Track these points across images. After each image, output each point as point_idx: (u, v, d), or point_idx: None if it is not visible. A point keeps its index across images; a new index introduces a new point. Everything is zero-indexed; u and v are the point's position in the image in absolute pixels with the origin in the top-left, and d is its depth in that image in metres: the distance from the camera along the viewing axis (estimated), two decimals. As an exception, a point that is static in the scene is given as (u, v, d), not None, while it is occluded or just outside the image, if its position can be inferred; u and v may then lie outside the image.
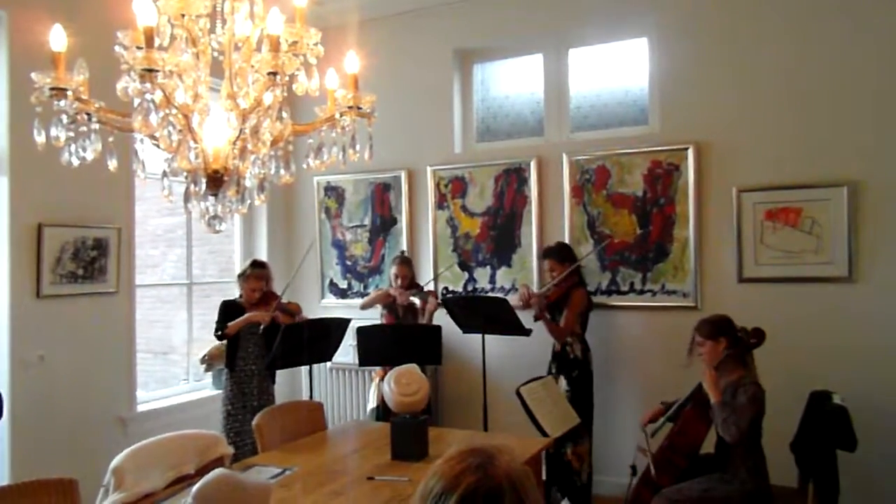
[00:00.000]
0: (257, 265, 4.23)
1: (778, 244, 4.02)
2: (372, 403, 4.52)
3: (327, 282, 5.46)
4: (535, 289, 4.45)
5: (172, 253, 5.77)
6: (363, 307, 4.65)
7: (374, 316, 4.70)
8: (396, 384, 2.76)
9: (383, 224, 5.21)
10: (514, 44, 4.90)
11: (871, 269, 3.82)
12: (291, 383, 5.32)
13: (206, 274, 5.39)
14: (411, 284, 4.60)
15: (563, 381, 3.99)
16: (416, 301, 4.51)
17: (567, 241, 4.50)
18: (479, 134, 5.08)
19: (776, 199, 4.01)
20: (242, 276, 4.18)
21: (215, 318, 4.14)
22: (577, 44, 4.73)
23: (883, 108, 3.78)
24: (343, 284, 5.37)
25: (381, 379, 4.43)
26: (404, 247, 5.09)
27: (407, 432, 2.75)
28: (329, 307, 5.27)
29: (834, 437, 2.96)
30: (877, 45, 3.79)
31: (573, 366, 4.07)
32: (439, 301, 4.57)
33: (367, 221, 5.28)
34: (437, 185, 4.98)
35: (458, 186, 4.92)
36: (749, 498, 3.00)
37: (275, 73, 1.61)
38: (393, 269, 4.60)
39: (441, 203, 4.98)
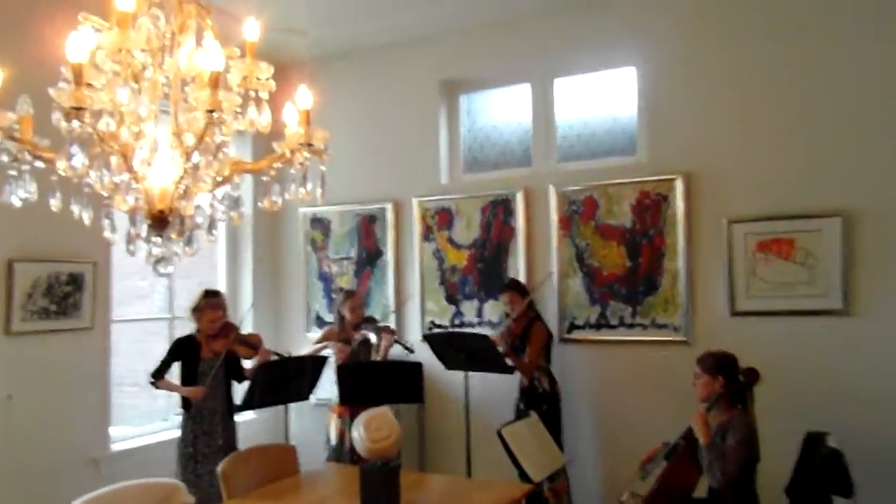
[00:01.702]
0: (211, 294, 4.11)
1: (770, 276, 3.91)
2: (333, 441, 4.38)
3: (313, 314, 5.35)
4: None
5: (161, 284, 5.68)
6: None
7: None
8: (366, 429, 2.63)
9: (369, 256, 5.12)
10: (501, 74, 4.84)
11: (868, 302, 3.70)
12: (275, 419, 5.16)
13: (194, 306, 5.28)
14: (363, 320, 4.51)
15: (533, 416, 3.88)
16: (372, 337, 4.41)
17: (555, 273, 4.41)
18: (466, 164, 5.00)
19: (767, 230, 3.90)
20: (197, 310, 4.04)
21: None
22: (563, 73, 4.67)
23: (876, 136, 3.69)
24: (329, 317, 5.24)
25: (339, 416, 4.35)
26: (390, 280, 4.99)
27: (377, 480, 2.61)
28: (314, 340, 5.15)
29: (829, 483, 2.82)
30: (869, 72, 3.71)
31: (542, 400, 4.01)
32: (395, 337, 4.48)
33: (353, 254, 5.18)
34: (423, 217, 4.89)
35: (445, 218, 4.83)
36: (741, 546, 2.86)
37: (212, 111, 1.52)
38: (347, 305, 4.47)
39: (427, 235, 4.89)
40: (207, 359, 3.97)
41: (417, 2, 4.52)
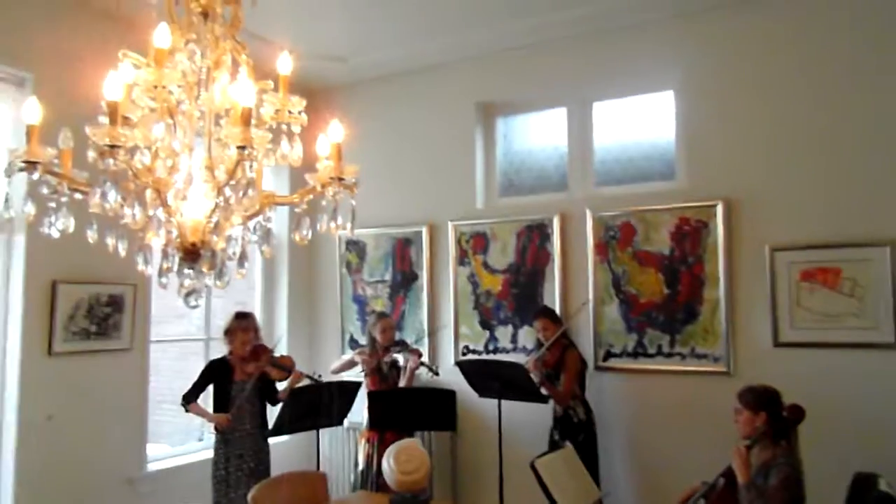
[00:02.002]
0: (241, 317, 4.12)
1: (816, 307, 3.77)
2: (361, 465, 4.38)
3: (347, 337, 5.36)
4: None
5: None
6: (334, 372, 4.56)
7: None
8: (396, 461, 2.60)
9: (404, 280, 5.11)
10: (538, 97, 4.81)
11: (920, 335, 3.54)
12: (307, 441, 5.16)
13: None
14: (394, 343, 4.52)
15: (568, 447, 3.79)
16: (401, 358, 4.43)
17: (591, 300, 4.34)
18: (502, 189, 4.97)
19: (812, 259, 3.77)
20: (229, 332, 4.06)
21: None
22: (601, 97, 4.62)
23: (926, 164, 3.55)
24: (363, 340, 5.24)
25: (368, 440, 4.35)
26: (425, 304, 4.97)
27: (406, 513, 2.58)
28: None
29: (880, 529, 2.67)
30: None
31: (578, 430, 3.94)
32: (421, 360, 4.47)
33: (387, 277, 5.19)
34: (459, 241, 4.87)
35: (480, 242, 4.80)
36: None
37: (243, 147, 1.53)
38: (378, 326, 4.50)
39: (462, 259, 4.86)
40: (240, 381, 3.99)
41: (455, 26, 4.53)
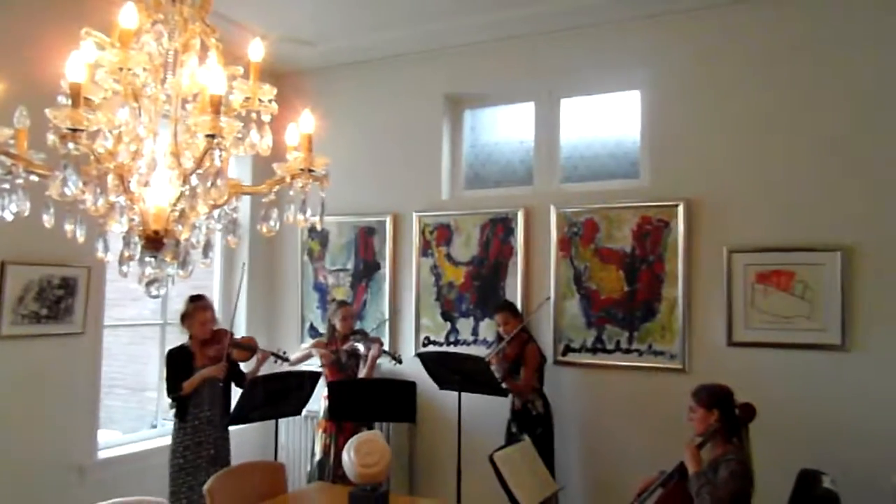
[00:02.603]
0: (196, 298, 4.01)
1: (769, 308, 3.88)
2: (318, 455, 4.36)
3: (307, 325, 5.31)
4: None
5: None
6: (291, 364, 4.50)
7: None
8: (356, 453, 2.59)
9: (366, 269, 5.08)
10: (506, 91, 4.82)
11: (866, 337, 3.67)
12: (265, 429, 5.11)
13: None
14: (354, 331, 4.53)
15: (527, 440, 3.83)
16: (360, 347, 4.42)
17: (553, 295, 4.38)
18: (468, 181, 4.97)
19: (768, 262, 3.88)
20: (187, 316, 3.95)
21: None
22: (569, 93, 4.65)
23: (878, 173, 3.67)
24: (323, 328, 5.20)
25: (325, 431, 4.35)
26: (386, 294, 4.95)
27: (365, 506, 2.57)
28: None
29: (823, 525, 2.77)
30: (877, 106, 3.69)
31: (536, 423, 3.98)
32: (383, 348, 4.50)
33: (350, 265, 5.15)
34: (423, 232, 4.86)
35: (444, 234, 4.79)
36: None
37: (213, 136, 1.49)
38: (338, 314, 4.49)
39: (425, 250, 4.85)
40: (202, 367, 3.90)
41: (425, 16, 4.49)
